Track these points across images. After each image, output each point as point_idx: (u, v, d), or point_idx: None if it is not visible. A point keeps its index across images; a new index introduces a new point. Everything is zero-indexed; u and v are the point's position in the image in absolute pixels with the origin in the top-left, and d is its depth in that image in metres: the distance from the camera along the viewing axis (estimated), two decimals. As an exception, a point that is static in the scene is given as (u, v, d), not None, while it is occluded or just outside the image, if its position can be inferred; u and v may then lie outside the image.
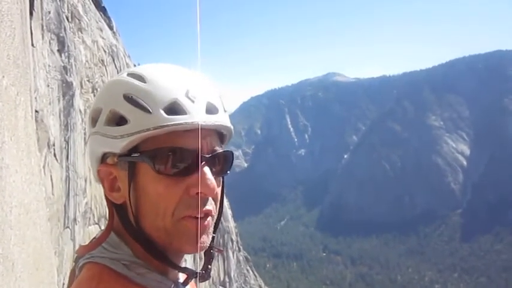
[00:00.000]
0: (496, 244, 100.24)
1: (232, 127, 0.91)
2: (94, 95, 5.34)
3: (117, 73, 6.91)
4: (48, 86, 4.01)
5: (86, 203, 5.37)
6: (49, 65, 4.05)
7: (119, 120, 0.83)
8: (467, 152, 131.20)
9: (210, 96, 0.87)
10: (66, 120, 4.52)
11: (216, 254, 0.94)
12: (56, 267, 3.85)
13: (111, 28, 6.41)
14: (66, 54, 4.39)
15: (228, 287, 20.74)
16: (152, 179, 0.81)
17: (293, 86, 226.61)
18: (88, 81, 5.11)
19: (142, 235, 0.84)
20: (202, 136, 0.83)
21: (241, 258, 28.14)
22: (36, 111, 3.58)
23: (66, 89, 4.43)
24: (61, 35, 4.27)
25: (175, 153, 0.81)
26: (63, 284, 4.58)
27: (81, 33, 4.92)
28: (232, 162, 0.92)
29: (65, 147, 4.55)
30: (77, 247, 5.01)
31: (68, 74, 4.44)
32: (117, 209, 0.88)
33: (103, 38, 5.69)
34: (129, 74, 0.87)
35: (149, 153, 0.81)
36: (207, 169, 0.83)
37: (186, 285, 0.93)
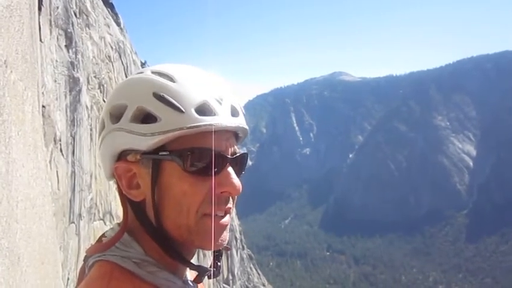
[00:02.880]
0: (502, 245, 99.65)
1: (248, 130, 0.95)
2: (100, 91, 5.36)
3: (124, 69, 6.93)
4: (55, 81, 4.03)
5: (91, 199, 5.39)
6: (56, 61, 4.06)
7: (145, 118, 0.83)
8: (474, 152, 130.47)
9: (232, 99, 0.90)
10: (72, 116, 4.54)
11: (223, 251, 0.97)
12: (61, 262, 3.87)
13: (118, 24, 6.42)
14: (74, 49, 4.41)
15: (231, 284, 20.78)
16: (178, 177, 0.83)
17: (299, 84, 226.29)
18: (95, 77, 5.12)
19: (161, 233, 0.85)
20: (226, 138, 0.87)
21: (244, 256, 28.20)
22: (43, 106, 3.59)
23: (73, 84, 4.45)
24: (69, 30, 4.28)
25: (203, 153, 0.82)
26: (68, 278, 4.60)
27: (89, 29, 4.93)
28: (246, 163, 0.95)
29: (71, 143, 4.57)
30: (81, 242, 5.05)
31: (75, 70, 4.46)
32: (133, 207, 0.89)
33: (110, 34, 5.70)
34: (154, 73, 0.88)
35: (179, 152, 0.82)
36: (231, 169, 0.86)
37: (196, 283, 0.95)
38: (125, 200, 0.90)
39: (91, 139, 5.25)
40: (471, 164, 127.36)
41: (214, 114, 0.83)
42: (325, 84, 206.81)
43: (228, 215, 0.89)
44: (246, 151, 0.93)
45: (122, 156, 0.88)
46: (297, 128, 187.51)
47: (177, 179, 0.83)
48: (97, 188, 5.60)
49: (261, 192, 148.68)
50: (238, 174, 0.89)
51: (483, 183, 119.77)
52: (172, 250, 0.86)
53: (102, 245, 0.86)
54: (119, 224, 0.92)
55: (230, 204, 0.89)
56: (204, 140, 0.82)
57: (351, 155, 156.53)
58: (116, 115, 0.87)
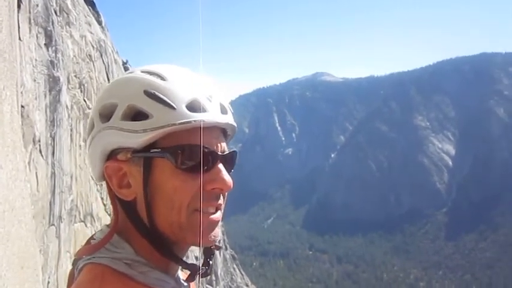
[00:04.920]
0: (480, 242, 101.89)
1: (236, 128, 0.96)
2: (81, 91, 5.26)
3: (105, 69, 6.83)
4: (34, 80, 3.94)
5: (72, 201, 5.29)
6: (36, 59, 3.97)
7: (136, 116, 0.84)
8: (453, 152, 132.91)
9: (221, 97, 0.91)
10: (52, 116, 4.44)
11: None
12: (41, 265, 3.78)
13: (99, 23, 6.32)
14: (54, 48, 4.32)
15: (214, 285, 20.69)
16: (170, 174, 0.83)
17: (281, 85, 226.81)
18: (75, 76, 5.03)
19: (153, 231, 0.85)
20: (216, 135, 0.89)
21: (227, 256, 28.13)
22: (22, 106, 3.51)
23: (53, 84, 4.35)
24: (49, 28, 4.19)
25: (194, 150, 0.83)
26: (48, 282, 4.50)
27: (69, 27, 4.84)
28: (235, 162, 0.95)
29: (51, 143, 4.47)
30: (62, 245, 4.96)
31: (55, 69, 4.36)
32: (124, 206, 0.88)
33: (91, 32, 5.61)
34: (144, 72, 0.88)
35: (170, 149, 0.82)
36: (221, 166, 0.87)
37: (188, 282, 0.93)
38: (115, 200, 0.89)
39: (71, 140, 5.16)
40: (450, 163, 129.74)
41: (205, 111, 0.84)
42: (307, 84, 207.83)
43: (219, 211, 0.89)
44: (235, 149, 0.94)
45: (112, 155, 0.88)
46: (279, 128, 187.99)
47: (169, 176, 0.83)
48: (78, 189, 5.50)
49: (243, 192, 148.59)
50: (228, 171, 0.89)
51: (462, 182, 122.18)
52: (165, 249, 0.86)
53: (92, 247, 0.85)
54: (107, 226, 0.91)
55: (221, 201, 0.90)
56: (195, 137, 0.82)
57: (332, 155, 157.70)
58: (106, 114, 0.87)
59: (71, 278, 0.90)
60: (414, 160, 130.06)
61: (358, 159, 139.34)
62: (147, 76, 0.86)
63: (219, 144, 0.89)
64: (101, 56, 5.99)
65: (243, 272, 31.34)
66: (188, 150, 0.83)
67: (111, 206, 0.86)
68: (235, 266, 29.65)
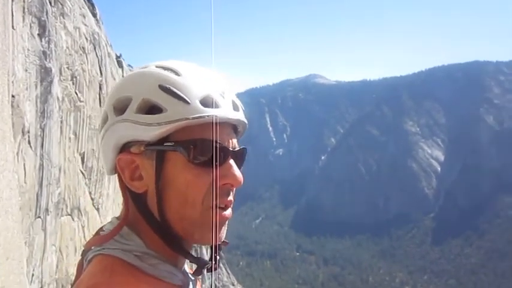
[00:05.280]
0: (466, 248, 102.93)
1: (247, 125, 0.97)
2: (73, 83, 5.21)
3: (98, 62, 6.78)
4: (26, 70, 3.89)
5: (59, 193, 5.24)
6: (28, 49, 3.92)
7: (151, 110, 0.84)
8: (442, 158, 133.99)
9: (233, 94, 0.94)
10: (42, 107, 4.40)
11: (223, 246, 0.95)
12: (25, 257, 3.74)
13: (94, 15, 6.27)
14: (47, 39, 4.27)
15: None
16: (182, 168, 0.83)
17: (274, 85, 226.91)
18: (68, 68, 4.98)
19: (163, 225, 0.85)
20: (228, 131, 0.90)
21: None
22: (12, 96, 3.46)
23: (45, 74, 4.31)
24: (42, 19, 4.14)
25: (207, 144, 0.83)
26: (33, 275, 4.46)
27: (63, 18, 4.79)
28: (245, 158, 0.97)
29: (40, 135, 4.42)
30: (47, 238, 4.91)
31: (47, 60, 4.32)
32: (135, 199, 0.88)
33: (85, 24, 5.56)
34: (158, 67, 0.89)
35: (183, 143, 0.83)
36: (233, 162, 0.88)
37: (195, 275, 0.95)
38: (126, 192, 0.90)
39: (61, 132, 5.11)
40: (439, 169, 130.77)
41: (218, 107, 0.85)
42: (300, 86, 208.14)
43: (229, 208, 0.90)
44: (244, 146, 0.95)
45: (124, 148, 0.88)
46: (270, 129, 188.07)
47: (181, 170, 0.84)
48: (66, 182, 5.45)
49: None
50: (238, 167, 0.90)
51: (449, 188, 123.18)
52: (174, 242, 0.86)
53: (101, 238, 0.86)
54: (117, 218, 0.92)
55: (231, 197, 0.90)
56: (208, 132, 0.83)
57: (323, 157, 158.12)
58: (120, 108, 0.88)
59: (80, 268, 0.90)
60: (403, 165, 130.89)
61: (348, 162, 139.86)
62: (162, 71, 0.87)
63: (230, 140, 0.90)
64: (95, 48, 5.94)
65: (229, 271, 31.33)
66: (201, 145, 0.83)
67: (122, 198, 0.86)
68: (221, 264, 29.60)
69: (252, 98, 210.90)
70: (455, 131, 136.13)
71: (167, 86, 0.83)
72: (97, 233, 0.90)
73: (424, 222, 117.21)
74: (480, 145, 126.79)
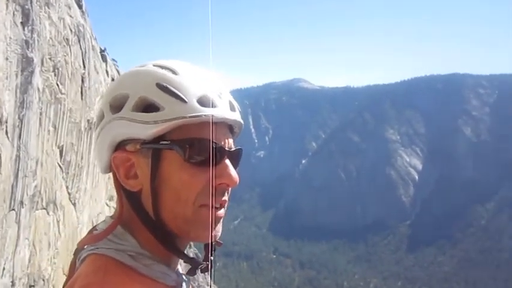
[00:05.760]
0: (439, 256, 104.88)
1: (243, 125, 0.97)
2: (55, 74, 5.11)
3: (82, 54, 6.67)
4: (6, 59, 3.81)
5: (35, 186, 5.13)
6: (10, 38, 3.84)
7: (147, 108, 0.84)
8: (420, 167, 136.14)
9: (229, 95, 0.94)
10: (22, 97, 4.30)
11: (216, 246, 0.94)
12: (-3, 250, 3.65)
13: (80, 7, 6.16)
14: (30, 28, 4.18)
15: (176, 283, 20.45)
16: (178, 167, 0.83)
17: (258, 87, 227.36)
18: (50, 59, 4.88)
19: (158, 224, 0.85)
20: (224, 131, 0.90)
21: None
22: (-9, 84, 3.38)
23: (26, 64, 4.22)
24: (26, 7, 4.06)
25: (203, 144, 0.83)
26: (4, 268, 4.36)
27: (48, 8, 4.69)
28: (241, 159, 0.95)
29: (18, 126, 4.32)
30: (21, 231, 4.81)
31: (29, 49, 4.23)
32: (129, 197, 0.88)
33: (70, 16, 5.47)
34: (156, 66, 0.89)
35: (179, 142, 0.83)
36: (228, 162, 0.88)
37: (188, 275, 0.94)
38: (120, 191, 0.89)
39: (40, 124, 5.00)
40: (416, 177, 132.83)
41: (215, 107, 0.85)
42: (284, 89, 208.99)
43: (223, 208, 0.90)
44: (241, 147, 0.94)
45: (120, 146, 0.88)
46: (253, 130, 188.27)
47: (177, 169, 0.83)
48: (42, 175, 5.34)
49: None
50: (234, 168, 0.89)
51: (426, 197, 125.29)
52: (169, 242, 0.86)
53: (94, 237, 0.84)
54: (111, 217, 0.90)
55: (226, 197, 0.90)
56: (204, 131, 0.83)
57: (304, 161, 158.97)
58: (117, 106, 0.87)
59: (72, 267, 0.89)
60: (382, 172, 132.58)
61: (328, 167, 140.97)
62: (160, 70, 0.87)
63: (226, 140, 0.89)
64: (79, 41, 5.84)
65: (205, 272, 31.19)
66: (197, 144, 0.83)
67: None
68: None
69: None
70: (434, 141, 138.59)
71: (165, 84, 0.83)
72: (90, 231, 0.89)
73: (399, 229, 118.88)
74: (457, 156, 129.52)
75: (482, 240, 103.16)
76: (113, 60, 9.70)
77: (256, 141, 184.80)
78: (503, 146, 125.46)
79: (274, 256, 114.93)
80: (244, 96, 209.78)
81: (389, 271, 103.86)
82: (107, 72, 8.54)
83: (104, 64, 8.36)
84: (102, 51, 8.37)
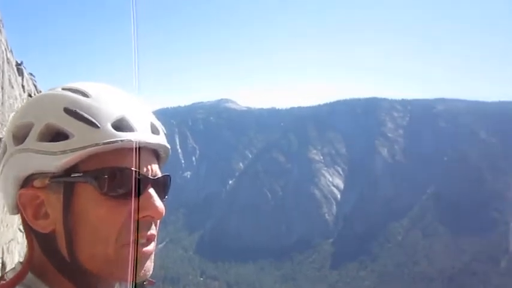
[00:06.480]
0: (361, 271, 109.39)
1: (170, 149, 0.88)
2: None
3: (-5, 67, 6.18)
4: None
5: None
6: None
7: (55, 136, 0.74)
8: (342, 186, 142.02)
9: (151, 116, 0.86)
10: None
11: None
12: None
13: (-7, 16, 5.77)
14: None
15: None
16: (94, 201, 0.73)
17: (185, 107, 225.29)
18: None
19: (75, 267, 0.74)
20: (147, 157, 0.80)
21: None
22: None
23: None
24: None
25: (121, 173, 0.74)
26: None
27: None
28: (169, 187, 0.88)
29: None
30: None
31: None
32: (40, 240, 0.76)
33: (-17, 25, 5.10)
34: (65, 89, 0.79)
35: (94, 173, 0.73)
36: (153, 191, 0.79)
37: None
38: (30, 233, 0.78)
39: None
40: (339, 196, 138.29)
41: (134, 130, 0.76)
42: (211, 109, 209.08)
43: (152, 243, 0.83)
44: (168, 174, 0.87)
45: (27, 182, 0.76)
46: (179, 151, 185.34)
47: (93, 204, 0.73)
48: None
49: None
50: (161, 197, 0.81)
51: (347, 215, 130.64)
52: (88, 287, 0.76)
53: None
54: (21, 263, 0.79)
55: (153, 230, 0.82)
56: (122, 158, 0.74)
57: (230, 182, 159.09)
58: (20, 136, 0.76)
59: None
60: (307, 191, 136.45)
61: (255, 187, 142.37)
62: (68, 93, 0.78)
63: (150, 167, 0.81)
64: (-9, 52, 5.43)
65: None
66: (115, 174, 0.73)
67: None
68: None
69: (161, 119, 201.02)
70: (354, 161, 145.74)
71: (73, 108, 0.73)
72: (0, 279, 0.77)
73: (323, 247, 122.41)
74: (375, 175, 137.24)
75: (398, 255, 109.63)
76: (31, 74, 9.13)
77: (183, 161, 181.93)
78: (415, 166, 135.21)
79: (202, 279, 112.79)
80: (171, 116, 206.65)
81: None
82: (23, 87, 8.01)
83: (20, 78, 7.84)
84: (18, 64, 7.84)
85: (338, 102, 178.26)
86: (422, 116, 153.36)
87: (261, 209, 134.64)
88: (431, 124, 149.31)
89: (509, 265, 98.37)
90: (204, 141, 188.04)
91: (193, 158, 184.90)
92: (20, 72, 8.54)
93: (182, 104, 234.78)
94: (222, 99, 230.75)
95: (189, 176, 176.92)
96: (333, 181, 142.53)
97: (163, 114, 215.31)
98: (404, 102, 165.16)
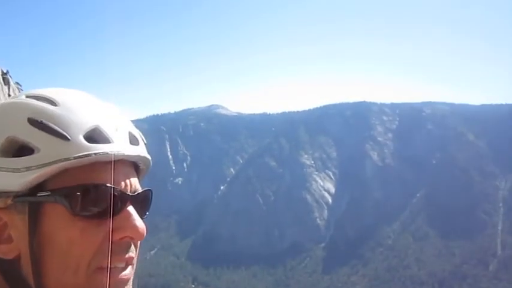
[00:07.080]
0: (352, 276, 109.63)
1: (151, 161, 0.81)
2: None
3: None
4: None
5: None
6: None
7: (19, 151, 0.66)
8: (333, 190, 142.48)
9: (130, 126, 0.79)
10: None
11: None
12: None
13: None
14: None
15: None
16: (64, 222, 0.65)
17: (176, 113, 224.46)
18: None
19: None
20: (125, 171, 0.73)
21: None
22: None
23: None
24: None
25: (96, 190, 0.66)
26: None
27: None
28: (151, 202, 0.82)
29: None
30: None
31: None
32: (3, 267, 0.67)
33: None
34: (30, 97, 0.71)
35: (64, 191, 0.65)
36: (132, 209, 0.71)
37: None
38: None
39: None
40: (330, 200, 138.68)
41: (109, 142, 0.69)
42: (202, 115, 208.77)
43: (130, 267, 0.74)
44: (149, 188, 0.80)
45: None
46: (170, 157, 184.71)
47: (63, 225, 0.65)
48: None
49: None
50: (141, 215, 0.73)
51: (339, 219, 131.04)
52: None
53: None
54: None
55: (132, 253, 0.73)
56: (97, 174, 0.67)
57: (222, 187, 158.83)
58: None
59: None
60: (298, 196, 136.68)
61: (246, 192, 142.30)
62: (33, 101, 0.68)
63: (128, 182, 0.73)
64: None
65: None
66: (88, 192, 0.65)
67: None
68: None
69: (152, 125, 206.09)
70: (345, 165, 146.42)
71: (39, 119, 0.65)
72: None
73: (315, 251, 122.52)
74: (365, 179, 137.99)
75: (389, 259, 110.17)
76: (17, 83, 9.23)
77: (173, 167, 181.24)
78: (405, 169, 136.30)
79: (193, 286, 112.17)
80: (161, 122, 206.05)
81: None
82: (9, 95, 8.10)
83: (6, 87, 7.92)
84: (4, 74, 7.96)
85: (328, 106, 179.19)
86: (411, 119, 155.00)
87: (253, 214, 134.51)
88: (420, 127, 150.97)
89: (498, 268, 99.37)
90: (195, 147, 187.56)
91: (185, 164, 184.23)
92: (6, 82, 8.63)
93: (172, 111, 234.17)
94: (212, 105, 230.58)
95: (180, 182, 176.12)
96: (324, 185, 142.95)
97: (153, 121, 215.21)
98: (393, 106, 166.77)
